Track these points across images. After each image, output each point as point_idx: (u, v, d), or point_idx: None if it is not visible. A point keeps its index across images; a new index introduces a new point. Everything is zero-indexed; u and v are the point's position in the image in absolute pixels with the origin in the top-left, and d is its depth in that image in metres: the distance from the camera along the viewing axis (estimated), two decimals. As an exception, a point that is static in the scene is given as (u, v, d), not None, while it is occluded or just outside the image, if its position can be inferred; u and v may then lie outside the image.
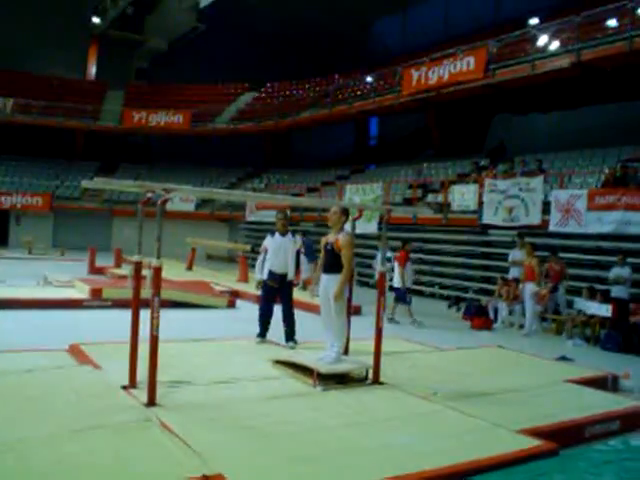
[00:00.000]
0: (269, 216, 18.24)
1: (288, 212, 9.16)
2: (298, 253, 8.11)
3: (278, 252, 7.91)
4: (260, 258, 8.17)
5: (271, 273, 7.93)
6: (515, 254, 12.67)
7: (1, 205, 26.12)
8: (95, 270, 16.98)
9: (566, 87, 19.46)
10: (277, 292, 8.04)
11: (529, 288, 10.99)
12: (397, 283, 11.59)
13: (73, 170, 29.52)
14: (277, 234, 8.05)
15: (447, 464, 4.05)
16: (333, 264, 6.37)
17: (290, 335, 8.01)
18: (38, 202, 26.76)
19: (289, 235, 8.06)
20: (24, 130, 28.85)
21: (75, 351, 6.65)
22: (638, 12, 14.41)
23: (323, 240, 6.64)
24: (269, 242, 8.05)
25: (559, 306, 11.73)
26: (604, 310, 10.14)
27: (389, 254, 11.93)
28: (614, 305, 10.30)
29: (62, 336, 7.59)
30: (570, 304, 11.40)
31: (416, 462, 4.03)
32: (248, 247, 18.20)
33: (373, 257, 14.12)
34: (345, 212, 6.56)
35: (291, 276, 8.02)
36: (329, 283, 6.33)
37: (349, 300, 6.74)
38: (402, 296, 11.59)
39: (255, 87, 31.73)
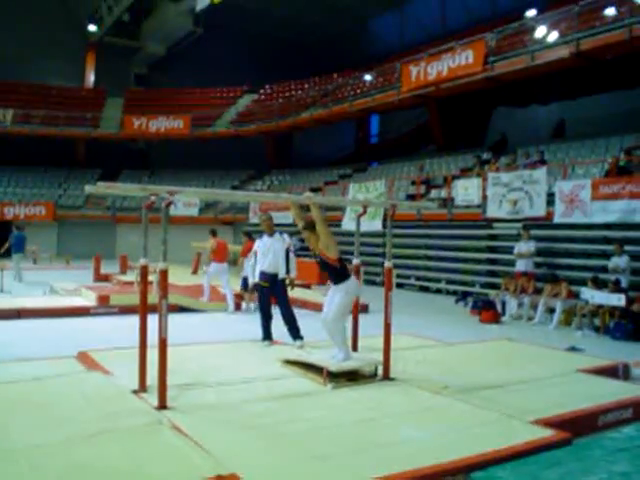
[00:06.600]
0: (273, 217, 18.32)
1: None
2: (287, 251, 8.17)
3: (267, 253, 8.05)
4: (251, 262, 8.46)
5: (262, 273, 8.06)
6: (521, 247, 12.67)
7: (4, 216, 25.82)
8: (100, 277, 17.00)
9: (565, 77, 19.42)
10: (270, 292, 8.08)
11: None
12: None
13: (75, 178, 29.61)
14: (265, 235, 8.23)
15: (459, 456, 4.02)
16: (333, 276, 6.31)
17: (294, 333, 7.99)
18: (41, 212, 26.75)
19: (276, 234, 8.20)
20: (25, 140, 28.84)
21: (84, 358, 6.64)
22: (636, 0, 14.37)
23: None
24: (258, 244, 8.26)
25: None
26: (615, 300, 10.07)
27: None
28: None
29: (70, 344, 7.60)
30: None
31: (429, 456, 4.01)
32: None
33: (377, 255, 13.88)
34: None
35: (282, 275, 8.06)
36: (333, 293, 6.31)
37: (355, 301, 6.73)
38: None
39: (254, 89, 31.72)
